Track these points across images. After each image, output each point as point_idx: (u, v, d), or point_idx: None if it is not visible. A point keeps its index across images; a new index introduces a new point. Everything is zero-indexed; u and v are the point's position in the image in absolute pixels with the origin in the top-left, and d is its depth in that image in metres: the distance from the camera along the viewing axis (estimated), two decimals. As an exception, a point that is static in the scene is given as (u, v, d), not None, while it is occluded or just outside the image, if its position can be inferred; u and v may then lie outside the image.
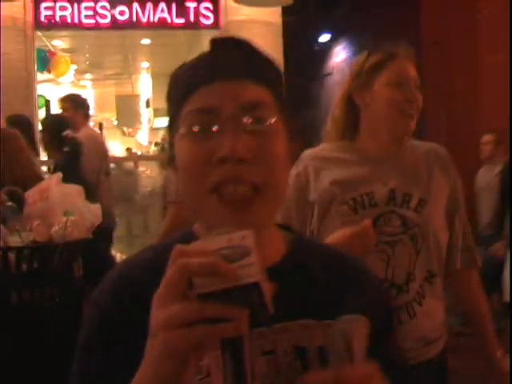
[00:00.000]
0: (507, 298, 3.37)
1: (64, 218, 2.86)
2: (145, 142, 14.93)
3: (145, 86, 13.22)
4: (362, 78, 1.69)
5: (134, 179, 6.47)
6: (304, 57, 11.21)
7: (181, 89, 0.85)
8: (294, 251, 0.89)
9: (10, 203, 2.93)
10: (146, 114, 14.07)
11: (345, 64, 12.23)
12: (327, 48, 13.09)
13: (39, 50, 7.43)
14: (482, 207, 5.59)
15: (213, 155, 0.78)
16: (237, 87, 0.81)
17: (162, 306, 0.62)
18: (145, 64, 11.76)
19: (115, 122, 14.27)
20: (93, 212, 3.09)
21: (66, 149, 4.16)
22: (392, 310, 0.97)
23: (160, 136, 11.92)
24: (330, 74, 13.24)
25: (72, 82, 11.38)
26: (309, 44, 12.58)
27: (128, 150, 12.97)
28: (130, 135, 15.51)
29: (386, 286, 1.53)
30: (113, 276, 0.87)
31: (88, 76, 12.81)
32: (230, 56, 0.83)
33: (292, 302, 0.81)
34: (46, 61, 7.86)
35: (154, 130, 13.45)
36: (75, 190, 3.06)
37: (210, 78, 0.81)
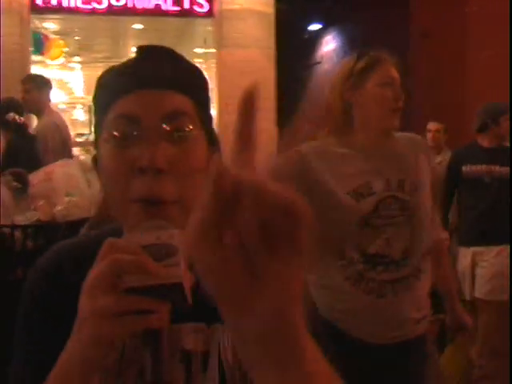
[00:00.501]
0: (479, 294, 3.51)
1: (66, 199, 2.99)
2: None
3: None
4: (352, 79, 1.87)
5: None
6: (294, 45, 11.29)
7: (106, 94, 0.86)
8: None
9: (15, 183, 3.05)
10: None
11: (334, 53, 12.34)
12: (317, 37, 13.17)
13: (35, 34, 7.47)
14: None
15: (133, 164, 0.79)
16: (159, 97, 0.83)
17: (91, 295, 0.66)
18: (135, 49, 11.81)
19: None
20: (92, 193, 3.22)
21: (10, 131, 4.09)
22: None
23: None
24: (319, 63, 13.33)
25: (61, 65, 11.39)
26: (299, 33, 12.65)
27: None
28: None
29: (387, 262, 1.71)
30: (46, 260, 0.92)
31: (77, 59, 12.79)
32: (155, 65, 0.85)
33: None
34: (41, 44, 7.89)
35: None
36: (77, 172, 3.18)
37: (134, 86, 0.83)
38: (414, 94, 9.76)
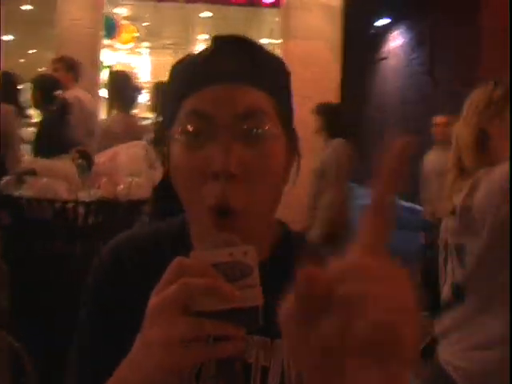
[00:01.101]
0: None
1: (129, 179, 3.09)
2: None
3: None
4: (492, 108, 1.75)
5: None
6: (361, 40, 11.20)
7: (179, 86, 0.81)
8: (282, 247, 0.87)
9: (81, 161, 3.18)
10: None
11: (401, 49, 12.16)
12: (384, 32, 13.01)
13: (107, 18, 7.67)
14: (428, 192, 5.45)
15: (205, 167, 0.75)
16: (234, 93, 0.77)
17: (158, 320, 0.62)
18: (203, 36, 11.95)
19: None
20: (154, 175, 3.32)
21: (54, 107, 4.17)
22: None
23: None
24: (385, 59, 13.17)
25: (129, 49, 11.65)
26: (366, 27, 12.53)
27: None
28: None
29: None
30: (106, 255, 0.89)
31: (145, 44, 13.06)
32: (231, 58, 0.78)
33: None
34: (113, 28, 8.10)
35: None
36: (141, 154, 3.28)
37: (208, 81, 0.77)
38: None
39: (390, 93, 12.35)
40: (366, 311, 0.40)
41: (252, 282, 0.61)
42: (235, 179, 0.73)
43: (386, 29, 12.82)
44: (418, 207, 10.56)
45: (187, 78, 0.80)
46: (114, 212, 2.99)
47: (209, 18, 9.94)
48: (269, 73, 0.80)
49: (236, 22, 9.21)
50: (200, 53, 0.82)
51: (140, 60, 12.96)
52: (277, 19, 7.31)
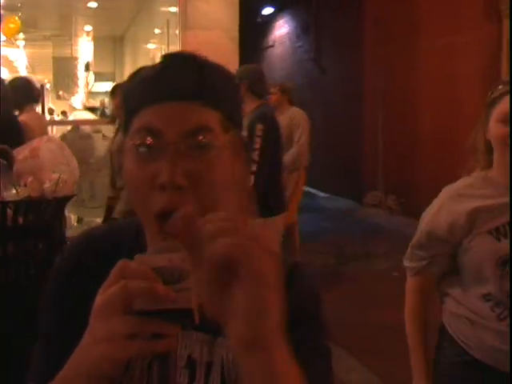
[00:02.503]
0: None
1: (55, 175, 3.01)
2: (79, 106, 14.68)
3: (85, 49, 13.00)
4: (485, 113, 1.81)
5: (89, 143, 6.50)
6: (249, 29, 11.35)
7: (131, 101, 0.87)
8: None
9: (1, 160, 3.04)
10: (83, 77, 13.83)
11: (287, 37, 12.47)
12: (270, 21, 13.26)
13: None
14: None
15: (154, 179, 0.80)
16: (182, 110, 0.82)
17: (102, 317, 0.69)
18: (88, 27, 11.59)
19: (48, 85, 13.94)
20: (74, 170, 3.25)
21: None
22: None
23: (99, 100, 11.84)
24: (271, 47, 13.44)
25: (6, 41, 11.09)
26: (253, 16, 12.71)
27: (63, 113, 12.78)
28: (65, 98, 15.18)
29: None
30: (65, 255, 0.98)
31: (22, 36, 12.47)
32: (180, 75, 0.84)
33: None
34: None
35: (92, 93, 13.26)
36: (63, 149, 3.20)
37: (158, 98, 0.83)
38: (365, 81, 10.05)
39: (278, 80, 12.63)
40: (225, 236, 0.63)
41: (188, 285, 0.68)
42: (181, 190, 0.79)
43: (272, 17, 13.08)
44: (315, 191, 11.00)
45: (139, 92, 0.85)
46: (42, 210, 2.91)
47: (94, 8, 9.66)
48: (216, 88, 0.85)
49: (124, 12, 9.02)
50: (152, 68, 0.87)
51: (17, 52, 12.35)
52: (172, 9, 7.24)
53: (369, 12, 9.84)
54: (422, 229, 1.88)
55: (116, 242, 0.94)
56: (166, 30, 7.62)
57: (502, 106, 1.72)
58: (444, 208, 1.81)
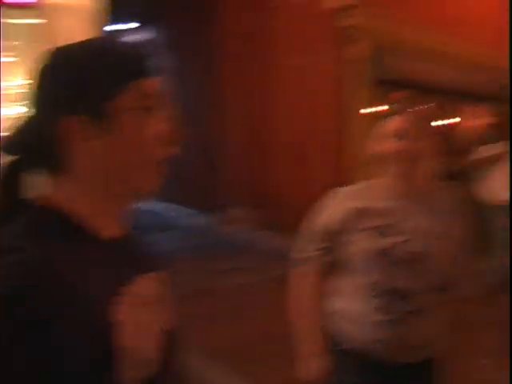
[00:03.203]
0: None
1: None
2: None
3: None
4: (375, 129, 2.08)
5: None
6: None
7: (125, 68, 0.94)
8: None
9: None
10: None
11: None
12: (133, 35, 12.95)
13: None
14: None
15: (157, 134, 0.95)
16: (159, 81, 0.99)
17: None
18: None
19: None
20: None
21: None
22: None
23: None
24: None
25: None
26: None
27: None
28: None
29: (411, 294, 1.93)
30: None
31: None
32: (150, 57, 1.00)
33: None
34: None
35: None
36: None
37: (151, 73, 0.97)
38: (224, 95, 10.12)
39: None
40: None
41: None
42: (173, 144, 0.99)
43: (134, 32, 12.81)
44: (173, 208, 10.78)
45: (133, 64, 0.95)
46: None
47: None
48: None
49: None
50: (129, 45, 1.00)
51: None
52: (30, 21, 6.87)
53: (229, 26, 9.91)
54: (317, 222, 2.07)
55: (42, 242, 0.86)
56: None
57: (391, 125, 1.96)
58: (338, 205, 2.03)
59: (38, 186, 0.96)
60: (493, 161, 6.02)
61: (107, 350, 0.81)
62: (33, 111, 0.94)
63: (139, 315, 0.85)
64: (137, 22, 12.33)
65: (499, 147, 6.03)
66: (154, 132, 0.94)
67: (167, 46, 11.28)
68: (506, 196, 5.88)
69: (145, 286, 0.89)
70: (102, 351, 0.81)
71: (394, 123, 1.97)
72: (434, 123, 2.15)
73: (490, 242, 6.05)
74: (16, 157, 0.93)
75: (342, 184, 2.17)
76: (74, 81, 0.91)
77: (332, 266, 2.05)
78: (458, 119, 10.16)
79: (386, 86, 8.03)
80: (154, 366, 0.87)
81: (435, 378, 2.06)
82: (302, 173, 8.56)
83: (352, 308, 1.97)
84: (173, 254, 7.11)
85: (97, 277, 0.88)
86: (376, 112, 8.21)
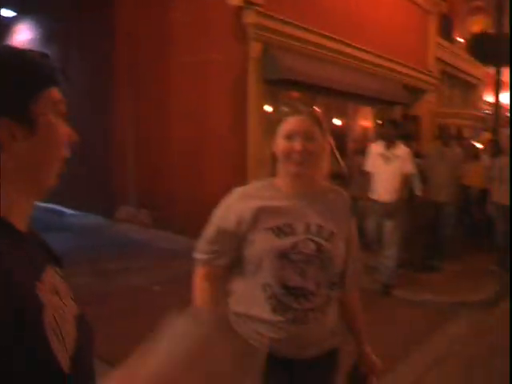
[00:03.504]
0: None
1: None
2: None
3: None
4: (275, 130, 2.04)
5: None
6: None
7: (37, 77, 1.00)
8: None
9: None
10: None
11: (30, 44, 11.71)
12: (9, 24, 12.37)
13: None
14: None
15: (65, 136, 1.03)
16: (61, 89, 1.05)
17: None
18: None
19: None
20: None
21: None
22: None
23: None
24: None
25: None
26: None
27: None
28: None
29: (305, 293, 1.95)
30: None
31: None
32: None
33: None
34: None
35: None
36: None
37: (57, 82, 1.03)
38: (116, 94, 9.87)
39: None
40: None
41: None
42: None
43: (12, 21, 12.23)
44: (62, 209, 10.45)
45: (43, 73, 1.01)
46: None
47: None
48: None
49: None
50: (35, 54, 1.02)
51: None
52: None
53: (122, 25, 9.67)
54: (213, 224, 2.06)
55: None
56: None
57: (286, 126, 1.98)
58: (233, 205, 2.02)
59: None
60: (380, 161, 6.18)
61: (39, 335, 0.86)
62: None
63: (55, 301, 0.93)
64: (16, 9, 11.73)
65: (385, 148, 6.20)
66: (64, 134, 1.03)
67: (50, 39, 10.85)
68: (391, 196, 6.06)
69: (53, 276, 0.99)
70: (35, 336, 0.85)
71: (288, 123, 1.99)
72: (326, 124, 2.19)
73: (381, 241, 6.25)
74: None
75: (239, 183, 2.13)
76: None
77: (232, 267, 2.05)
78: (349, 120, 10.51)
79: (280, 85, 8.10)
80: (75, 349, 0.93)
81: (339, 366, 2.13)
82: (197, 172, 8.50)
83: (252, 309, 1.97)
84: (66, 255, 6.83)
85: (24, 265, 0.92)
86: (272, 111, 8.28)
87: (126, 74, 9.59)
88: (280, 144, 1.98)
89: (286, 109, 2.07)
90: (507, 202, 7.01)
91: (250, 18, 7.79)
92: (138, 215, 9.43)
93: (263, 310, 1.94)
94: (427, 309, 5.88)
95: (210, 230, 2.06)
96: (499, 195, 7.24)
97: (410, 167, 6.18)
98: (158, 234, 8.56)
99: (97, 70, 10.24)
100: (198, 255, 2.08)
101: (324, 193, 2.07)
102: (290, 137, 1.96)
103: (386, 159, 6.15)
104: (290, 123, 1.98)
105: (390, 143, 6.20)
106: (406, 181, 6.19)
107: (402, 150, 6.18)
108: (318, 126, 1.98)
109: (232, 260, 2.04)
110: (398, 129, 6.45)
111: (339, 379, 2.11)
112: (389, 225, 6.15)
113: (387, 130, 6.33)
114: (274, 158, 2.03)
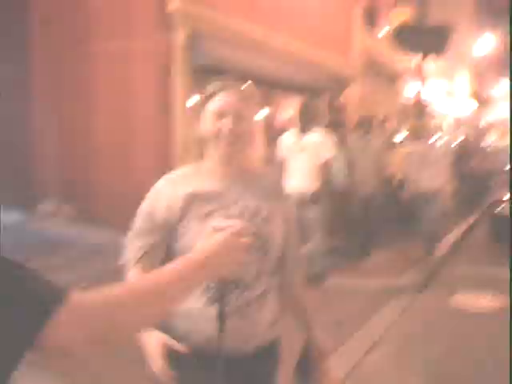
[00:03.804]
0: None
1: None
2: None
3: None
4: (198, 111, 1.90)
5: None
6: None
7: None
8: None
9: None
10: None
11: None
12: None
13: None
14: None
15: None
16: None
17: None
18: None
19: None
20: None
21: None
22: None
23: None
24: None
25: None
26: None
27: None
28: None
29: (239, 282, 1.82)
30: None
31: None
32: None
33: None
34: None
35: None
36: None
37: None
38: (33, 83, 9.42)
39: None
40: None
41: None
42: None
43: None
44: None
45: None
46: None
47: None
48: None
49: None
50: None
51: None
52: None
53: (37, 10, 9.23)
54: (140, 215, 1.90)
55: None
56: None
57: (217, 103, 1.83)
58: (161, 193, 1.87)
59: None
60: (293, 150, 6.00)
61: None
62: None
63: None
64: None
65: (298, 136, 6.03)
66: None
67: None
68: (307, 186, 5.92)
69: None
70: None
71: (217, 100, 1.84)
72: (255, 107, 2.09)
73: (309, 230, 6.11)
74: None
75: (167, 171, 1.97)
76: None
77: (166, 259, 1.85)
78: (275, 109, 10.46)
79: (206, 72, 7.94)
80: None
81: (280, 357, 2.04)
82: (123, 162, 8.25)
83: (188, 303, 1.79)
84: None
85: None
86: (198, 98, 8.11)
87: (43, 63, 9.18)
88: (209, 123, 1.83)
89: (211, 89, 1.87)
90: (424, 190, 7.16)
91: (175, 4, 7.58)
92: (61, 209, 9.07)
93: (196, 304, 1.80)
94: (360, 296, 5.91)
95: (138, 222, 1.90)
96: (415, 184, 7.34)
97: (325, 155, 5.94)
98: (82, 228, 8.25)
99: (11, 58, 9.73)
100: (126, 255, 1.91)
101: (257, 175, 1.95)
102: (219, 115, 1.81)
103: (300, 148, 5.96)
104: (219, 100, 1.83)
105: (303, 131, 5.99)
106: (323, 169, 5.97)
107: (316, 137, 5.96)
108: (251, 103, 1.86)
109: (165, 251, 1.88)
110: (316, 116, 6.23)
111: (281, 369, 2.02)
112: (309, 215, 5.94)
113: (301, 117, 6.08)
114: (201, 140, 1.88)
